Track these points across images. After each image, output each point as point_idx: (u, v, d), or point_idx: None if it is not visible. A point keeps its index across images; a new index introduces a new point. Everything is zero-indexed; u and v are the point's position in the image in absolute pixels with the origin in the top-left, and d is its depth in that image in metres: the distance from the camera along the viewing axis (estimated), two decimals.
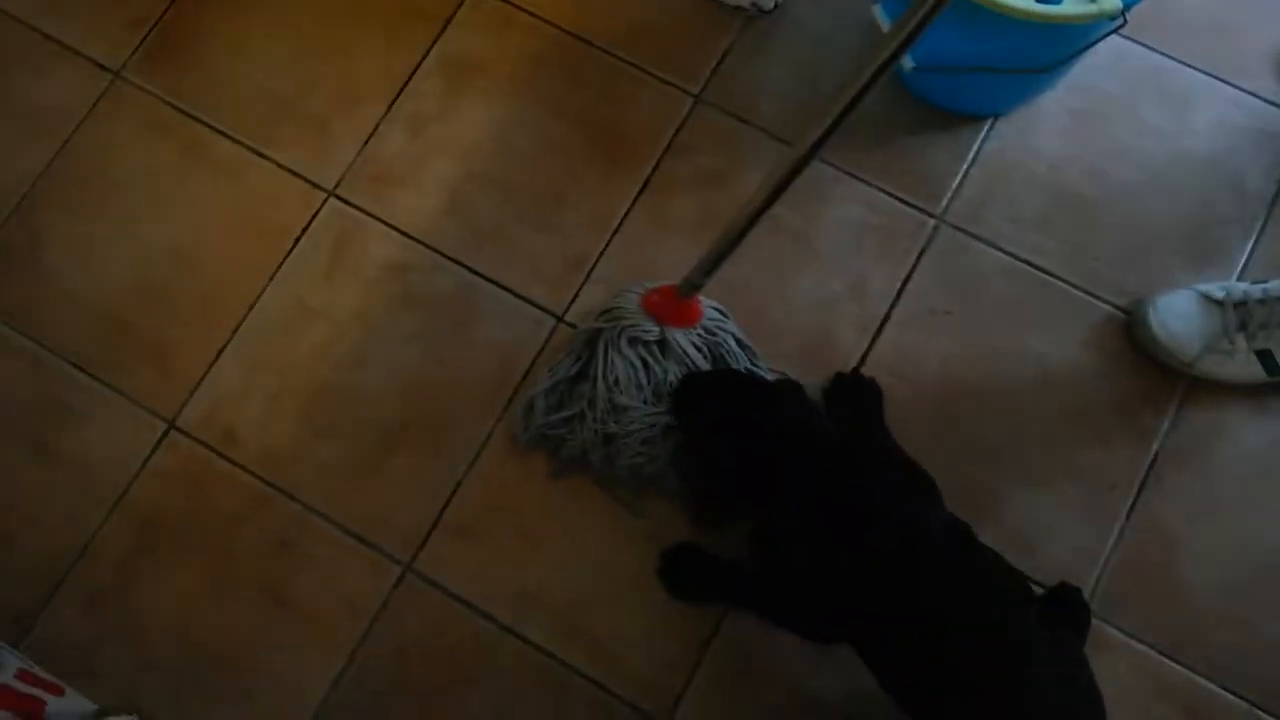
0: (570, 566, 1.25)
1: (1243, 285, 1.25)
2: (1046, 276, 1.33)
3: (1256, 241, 1.33)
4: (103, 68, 1.44)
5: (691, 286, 1.20)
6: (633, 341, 1.25)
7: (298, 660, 1.23)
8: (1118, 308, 1.31)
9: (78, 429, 1.31)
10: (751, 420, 1.09)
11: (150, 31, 1.46)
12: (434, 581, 1.25)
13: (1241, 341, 1.22)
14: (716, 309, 1.29)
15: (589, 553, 1.25)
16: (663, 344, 1.25)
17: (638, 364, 1.25)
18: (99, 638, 1.25)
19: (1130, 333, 1.29)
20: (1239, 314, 1.22)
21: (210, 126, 1.42)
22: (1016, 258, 1.34)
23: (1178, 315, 1.24)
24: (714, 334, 1.27)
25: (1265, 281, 1.24)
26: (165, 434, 1.31)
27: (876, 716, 1.14)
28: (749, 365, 1.27)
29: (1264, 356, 1.22)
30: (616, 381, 1.24)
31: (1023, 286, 1.33)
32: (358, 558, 1.26)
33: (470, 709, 1.21)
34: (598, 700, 1.21)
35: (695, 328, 1.26)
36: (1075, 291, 1.32)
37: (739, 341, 1.28)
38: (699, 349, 1.26)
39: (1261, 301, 1.22)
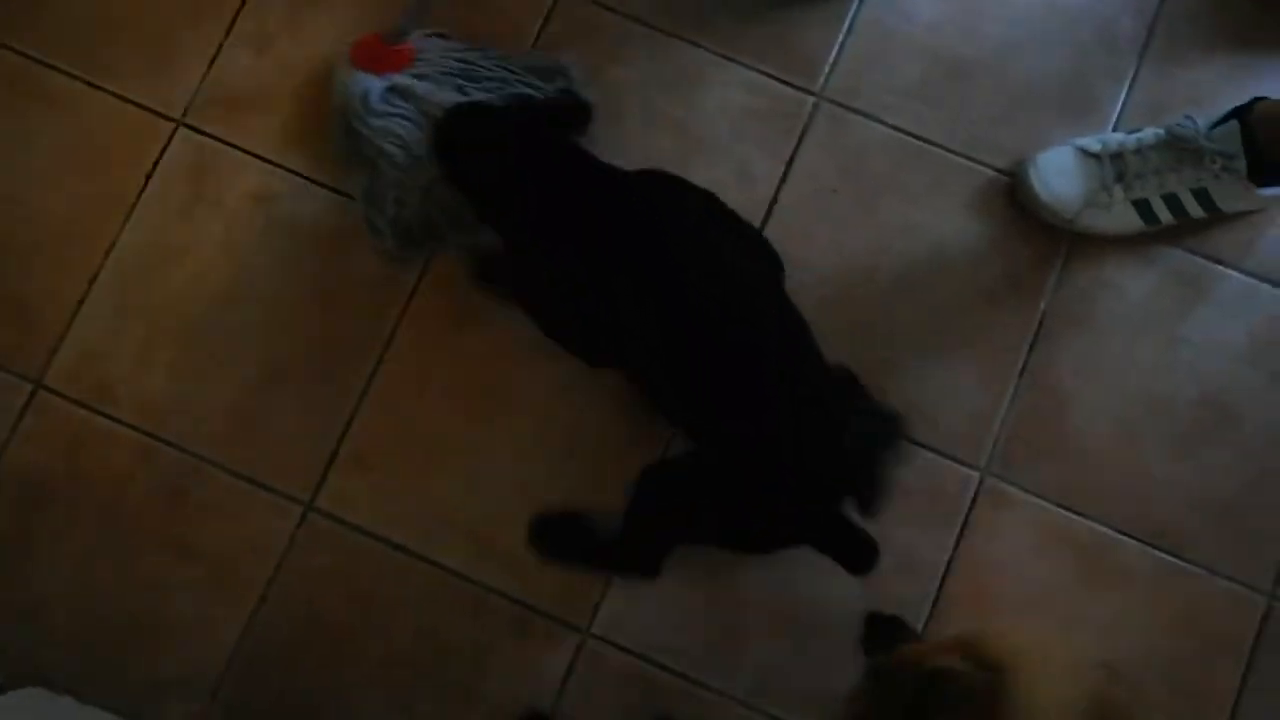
0: (476, 485, 1.23)
1: (1118, 136, 1.25)
2: (928, 145, 1.31)
3: (1130, 91, 1.33)
4: None
5: (396, 35, 1.23)
6: (369, 109, 1.23)
7: (206, 612, 1.20)
8: (999, 170, 1.31)
9: None
10: (496, 156, 1.10)
11: None
12: (338, 517, 1.22)
13: (1119, 192, 1.22)
14: (438, 34, 1.29)
15: (494, 468, 1.23)
16: (401, 91, 1.24)
17: (393, 124, 1.23)
18: None
19: (1013, 194, 1.29)
20: (1115, 165, 1.23)
21: (38, 60, 1.30)
22: (898, 129, 1.32)
23: (1057, 172, 1.24)
24: (451, 62, 1.26)
25: (1139, 131, 1.25)
26: (33, 395, 1.24)
27: (803, 613, 1.17)
28: (510, 78, 1.27)
29: (1140, 206, 1.24)
30: (384, 152, 1.23)
31: (906, 158, 1.31)
32: (257, 501, 1.22)
33: (388, 640, 1.20)
34: (517, 615, 1.20)
35: (412, 67, 1.25)
36: (956, 158, 1.31)
37: (488, 60, 1.27)
38: (440, 81, 1.25)
39: (1136, 151, 1.22)
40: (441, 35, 1.29)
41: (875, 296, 1.28)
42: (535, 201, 1.08)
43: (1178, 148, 1.21)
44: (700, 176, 1.29)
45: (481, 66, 1.27)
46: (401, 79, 1.24)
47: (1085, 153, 1.24)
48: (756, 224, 1.29)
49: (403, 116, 1.24)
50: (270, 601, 1.20)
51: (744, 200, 1.28)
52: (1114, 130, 1.30)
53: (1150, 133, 1.23)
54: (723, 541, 1.09)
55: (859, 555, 1.05)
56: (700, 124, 1.32)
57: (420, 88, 1.25)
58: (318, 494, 1.22)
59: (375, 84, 1.24)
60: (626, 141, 1.29)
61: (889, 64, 1.34)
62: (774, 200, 1.30)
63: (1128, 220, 1.24)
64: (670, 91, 1.33)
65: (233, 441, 1.23)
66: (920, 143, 1.31)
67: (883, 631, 1.06)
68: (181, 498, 1.22)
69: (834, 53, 1.34)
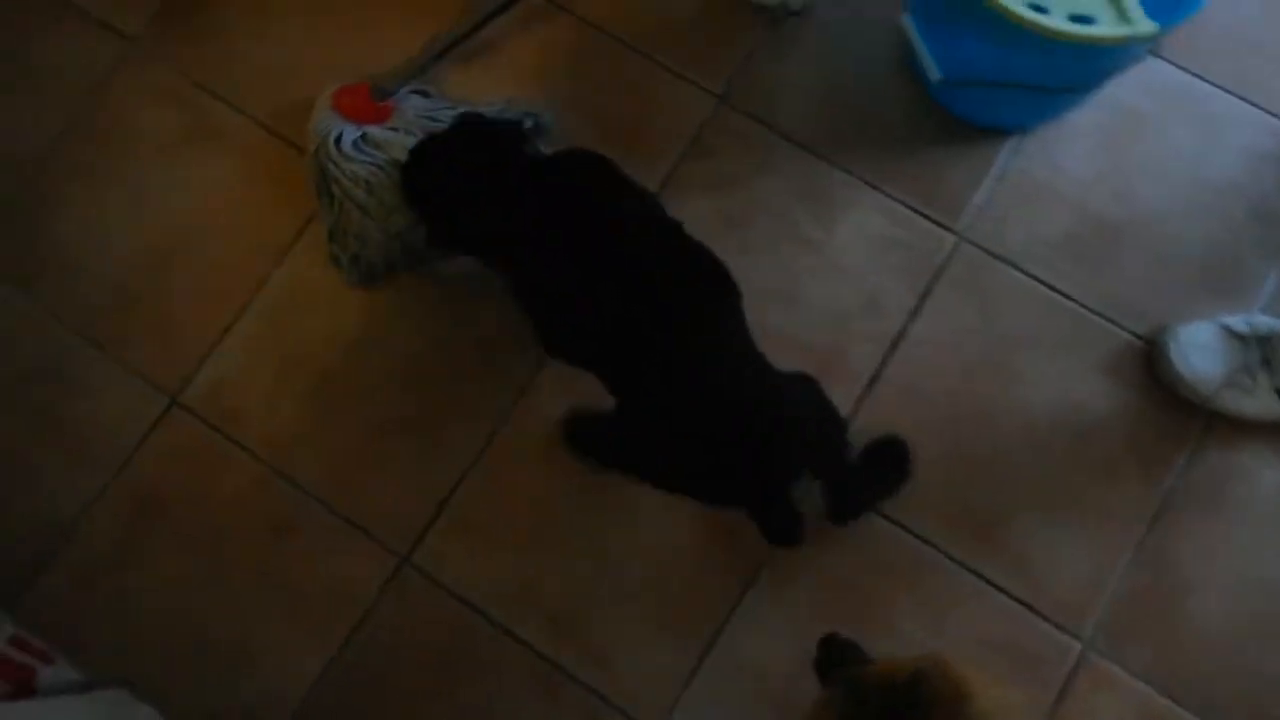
0: (570, 568, 1.24)
1: (1267, 319, 1.23)
2: (1066, 300, 1.31)
3: None
4: (121, 35, 1.42)
5: (381, 93, 1.31)
6: (341, 152, 1.29)
7: (289, 646, 1.22)
8: (1137, 336, 1.29)
9: (79, 399, 1.30)
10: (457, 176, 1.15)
11: (165, 2, 1.44)
12: (430, 575, 1.24)
13: (1264, 378, 1.19)
14: (418, 91, 1.35)
15: (590, 555, 1.24)
16: (374, 141, 1.30)
17: (361, 169, 1.29)
18: (91, 610, 1.24)
19: (1150, 363, 1.27)
20: (1262, 349, 1.20)
21: (223, 100, 1.40)
22: (1037, 279, 1.31)
23: (1199, 348, 1.22)
24: (425, 120, 1.32)
25: None
26: (168, 409, 1.30)
27: None
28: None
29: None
30: (349, 194, 1.28)
31: (1042, 309, 1.31)
32: (355, 547, 1.25)
33: (457, 705, 1.20)
34: (589, 705, 1.20)
35: (390, 121, 1.32)
36: (1094, 317, 1.30)
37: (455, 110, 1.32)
38: (412, 134, 1.30)
39: None
40: (423, 93, 1.35)
41: (995, 443, 1.26)
42: (500, 207, 1.13)
43: None
44: (826, 298, 1.31)
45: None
46: (376, 130, 1.31)
47: (1231, 332, 1.22)
48: (880, 356, 1.29)
49: (371, 163, 1.29)
50: (352, 645, 1.22)
51: (869, 329, 1.29)
52: (1262, 312, 1.28)
53: None
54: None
55: (784, 529, 1.14)
56: (837, 246, 1.33)
57: (392, 138, 1.30)
58: (415, 549, 1.24)
59: (349, 130, 1.30)
60: (757, 251, 1.32)
61: (1035, 213, 1.34)
62: (902, 333, 1.30)
63: (1271, 408, 1.21)
64: (811, 209, 1.35)
65: (344, 486, 1.27)
66: (1059, 296, 1.31)
67: (837, 653, 1.08)
68: (287, 532, 1.25)
69: (980, 195, 1.35)
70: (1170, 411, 1.25)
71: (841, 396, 1.27)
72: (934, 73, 1.25)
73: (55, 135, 1.39)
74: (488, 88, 1.38)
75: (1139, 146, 1.36)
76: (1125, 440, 1.25)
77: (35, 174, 1.38)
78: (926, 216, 1.34)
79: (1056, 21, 1.08)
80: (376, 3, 1.43)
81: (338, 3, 1.43)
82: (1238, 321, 1.23)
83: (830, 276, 1.32)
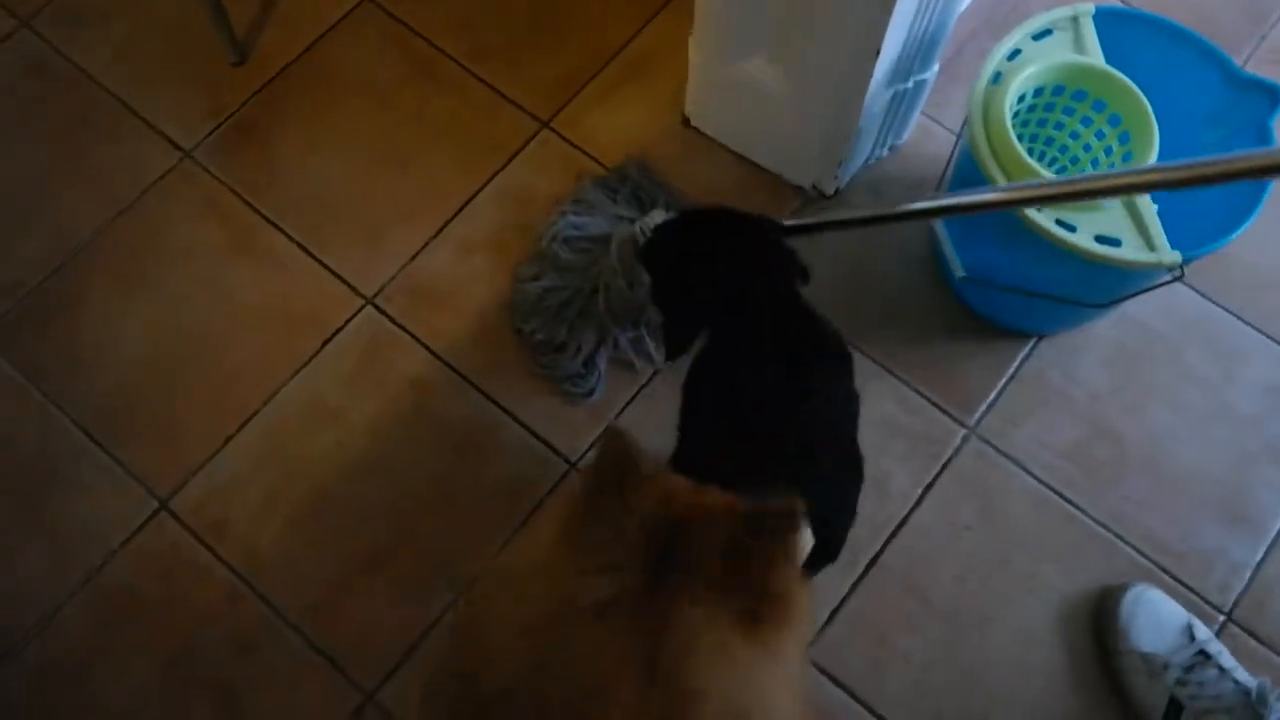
0: None
1: (1222, 652, 1.15)
2: (1072, 509, 1.29)
3: None
4: (175, 145, 1.48)
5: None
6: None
7: None
8: (1142, 554, 1.27)
9: (70, 492, 1.29)
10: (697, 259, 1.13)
11: (228, 119, 1.50)
12: (390, 715, 1.19)
13: (1169, 675, 1.14)
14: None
15: None
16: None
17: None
18: (45, 707, 1.20)
19: (1102, 599, 1.23)
20: (1198, 668, 1.14)
21: (266, 218, 1.44)
22: (1045, 484, 1.30)
23: (1153, 621, 1.18)
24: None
25: (1240, 672, 1.14)
26: (155, 513, 1.28)
27: None
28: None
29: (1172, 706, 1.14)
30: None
31: (1046, 514, 1.29)
32: (320, 678, 1.21)
33: None
34: None
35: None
36: (1099, 529, 1.28)
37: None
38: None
39: (1217, 682, 1.12)
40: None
41: (985, 648, 1.22)
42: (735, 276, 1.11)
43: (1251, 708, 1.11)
44: None
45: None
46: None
47: (1190, 630, 1.17)
48: (880, 541, 1.27)
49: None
50: None
51: (873, 511, 1.28)
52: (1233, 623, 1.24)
53: (1248, 680, 1.13)
54: None
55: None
56: None
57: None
58: (381, 688, 1.20)
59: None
60: None
61: (1047, 418, 1.34)
62: (904, 521, 1.28)
63: (1154, 702, 1.15)
64: None
65: (319, 612, 1.23)
66: (1064, 503, 1.29)
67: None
68: (252, 652, 1.22)
69: (995, 393, 1.35)
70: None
71: (837, 579, 1.24)
72: (958, 270, 1.27)
73: (93, 232, 1.42)
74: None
75: (1155, 366, 1.37)
76: (1113, 681, 1.21)
77: (67, 267, 1.41)
78: (939, 407, 1.34)
79: (1082, 240, 1.10)
80: (425, 146, 1.48)
81: (389, 142, 1.48)
82: (1200, 627, 1.18)
83: None
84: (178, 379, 1.35)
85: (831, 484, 1.05)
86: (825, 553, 1.04)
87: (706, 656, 0.67)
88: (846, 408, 1.10)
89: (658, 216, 1.24)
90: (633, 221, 1.28)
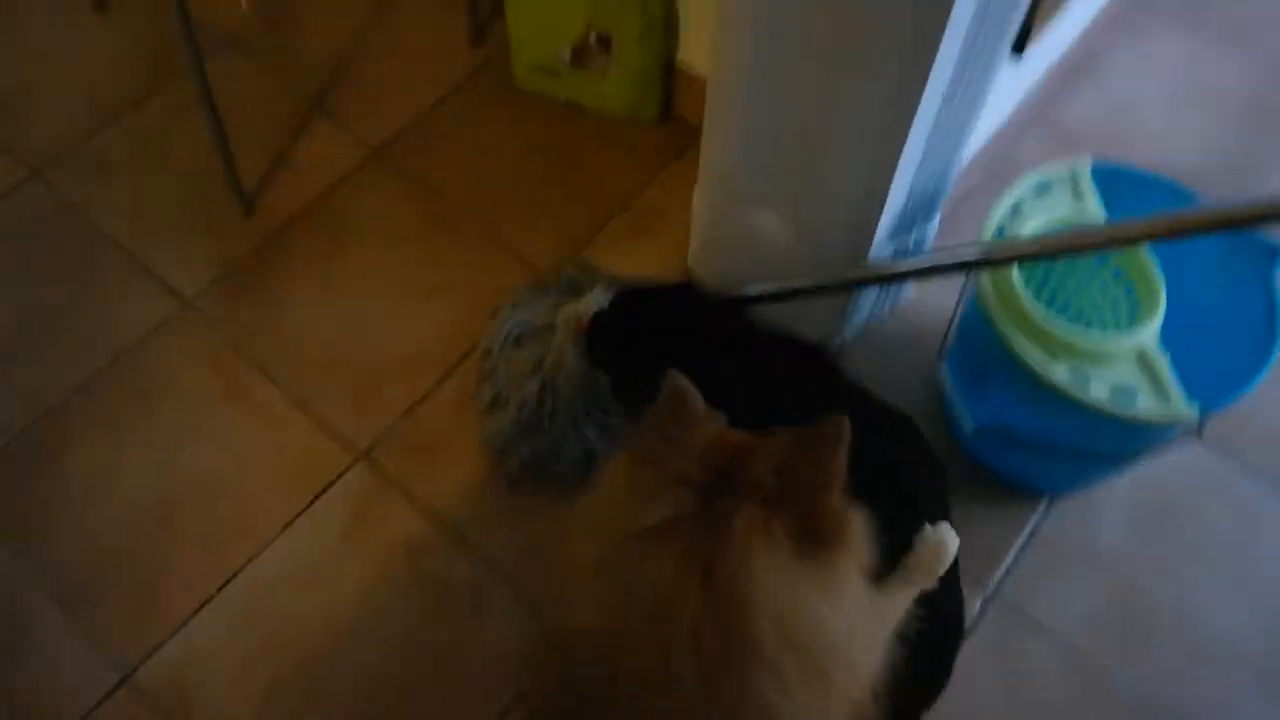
0: None
1: None
2: (1097, 678, 1.21)
3: None
4: (175, 293, 1.46)
5: None
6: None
7: None
8: None
9: (32, 660, 1.21)
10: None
11: (230, 270, 1.49)
12: None
13: None
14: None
15: None
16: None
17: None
18: None
19: None
20: None
21: (261, 370, 1.41)
22: (1067, 648, 1.23)
23: None
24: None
25: None
26: (115, 688, 1.19)
27: None
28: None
29: None
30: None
31: (1074, 681, 1.21)
32: None
33: None
34: None
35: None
36: (1127, 700, 1.20)
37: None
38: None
39: None
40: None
41: None
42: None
43: None
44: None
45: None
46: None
47: None
48: None
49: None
50: None
51: None
52: None
53: None
54: None
55: None
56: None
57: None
58: None
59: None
60: None
61: (1067, 580, 1.28)
62: None
63: None
64: None
65: None
66: (1090, 672, 1.22)
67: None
68: None
69: (1011, 555, 1.29)
70: None
71: None
72: (968, 424, 1.24)
73: (85, 380, 1.39)
74: None
75: (1176, 524, 1.32)
76: None
77: (56, 416, 1.36)
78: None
79: (1097, 397, 1.07)
80: (431, 298, 1.47)
81: (394, 291, 1.47)
82: None
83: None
84: (159, 534, 1.29)
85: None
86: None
87: (759, 567, 0.69)
88: None
89: (599, 295, 1.25)
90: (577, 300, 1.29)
